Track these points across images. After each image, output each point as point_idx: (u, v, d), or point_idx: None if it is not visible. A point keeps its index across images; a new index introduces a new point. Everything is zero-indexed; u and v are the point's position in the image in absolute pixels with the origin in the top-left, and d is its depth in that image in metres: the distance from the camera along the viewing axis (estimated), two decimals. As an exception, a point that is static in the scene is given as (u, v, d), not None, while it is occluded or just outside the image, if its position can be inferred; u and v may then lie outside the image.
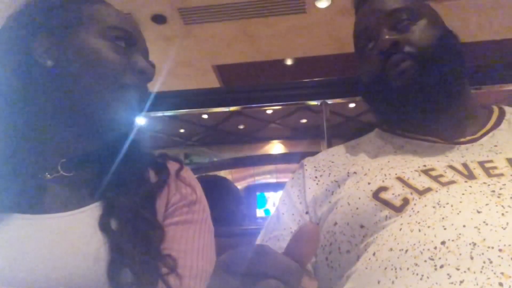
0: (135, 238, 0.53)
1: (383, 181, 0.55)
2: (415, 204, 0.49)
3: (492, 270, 0.38)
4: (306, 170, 0.67)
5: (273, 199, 4.89)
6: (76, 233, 0.52)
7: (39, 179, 0.58)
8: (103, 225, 0.53)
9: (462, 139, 0.60)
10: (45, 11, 0.61)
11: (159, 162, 0.66)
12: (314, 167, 0.67)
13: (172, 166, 0.66)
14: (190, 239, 0.59)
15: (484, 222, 0.42)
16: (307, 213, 0.63)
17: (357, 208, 0.54)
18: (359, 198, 0.55)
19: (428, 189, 0.51)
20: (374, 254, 0.48)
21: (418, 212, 0.48)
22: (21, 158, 0.58)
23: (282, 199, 0.68)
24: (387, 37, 0.62)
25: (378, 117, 0.73)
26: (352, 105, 4.49)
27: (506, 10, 3.23)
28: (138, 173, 0.61)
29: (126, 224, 0.54)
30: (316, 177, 0.65)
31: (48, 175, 0.59)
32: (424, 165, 0.55)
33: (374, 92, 0.66)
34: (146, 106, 0.65)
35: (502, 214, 0.42)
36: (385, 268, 0.44)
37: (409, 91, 0.60)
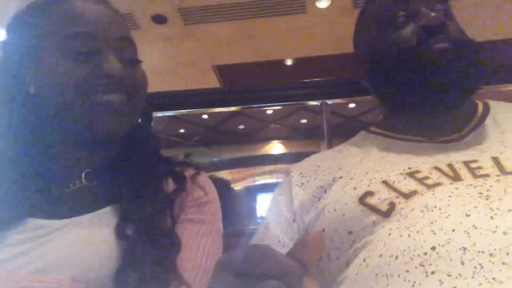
0: (150, 248, 0.53)
1: (368, 185, 0.54)
2: (401, 208, 0.49)
3: (483, 276, 0.37)
4: (293, 177, 0.67)
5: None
6: (92, 236, 0.53)
7: (64, 190, 0.60)
8: (119, 233, 0.54)
9: (447, 137, 0.60)
10: (21, 34, 0.59)
11: (177, 171, 0.65)
12: (300, 173, 0.66)
13: (189, 172, 0.66)
14: (193, 236, 0.59)
15: (473, 225, 0.42)
16: (294, 220, 0.62)
17: (343, 214, 0.53)
18: (346, 204, 0.54)
19: (414, 192, 0.50)
20: (364, 260, 0.47)
21: (406, 216, 0.47)
22: (48, 172, 0.60)
23: (269, 208, 0.68)
24: (434, 14, 0.61)
25: (384, 93, 0.70)
26: (352, 105, 4.48)
27: (506, 10, 3.24)
28: (156, 182, 0.62)
29: (141, 233, 0.54)
30: (302, 183, 0.64)
31: (72, 186, 0.60)
32: (409, 168, 0.55)
33: (399, 63, 0.62)
34: (144, 105, 0.63)
35: (491, 217, 0.42)
36: (376, 275, 0.44)
37: (439, 73, 0.59)
